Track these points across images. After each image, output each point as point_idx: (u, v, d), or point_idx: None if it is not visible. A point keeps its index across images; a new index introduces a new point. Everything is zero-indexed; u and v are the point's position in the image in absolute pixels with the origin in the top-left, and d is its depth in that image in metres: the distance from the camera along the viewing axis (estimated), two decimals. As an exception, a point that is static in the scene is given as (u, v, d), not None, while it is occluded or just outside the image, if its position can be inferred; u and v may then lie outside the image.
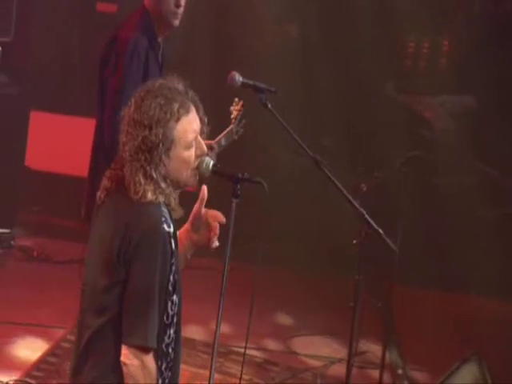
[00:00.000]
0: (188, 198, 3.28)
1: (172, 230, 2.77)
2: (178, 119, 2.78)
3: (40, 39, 7.82)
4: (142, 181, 2.75)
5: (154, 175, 2.75)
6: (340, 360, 5.59)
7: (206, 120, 2.92)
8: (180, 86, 2.84)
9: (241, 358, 5.51)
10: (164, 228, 2.74)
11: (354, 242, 3.98)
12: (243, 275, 6.75)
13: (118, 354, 2.73)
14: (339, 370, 5.52)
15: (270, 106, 3.94)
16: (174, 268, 2.78)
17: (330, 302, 6.11)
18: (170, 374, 2.87)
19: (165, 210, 2.79)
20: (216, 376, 5.19)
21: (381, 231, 3.85)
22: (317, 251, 7.11)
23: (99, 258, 2.81)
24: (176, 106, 2.78)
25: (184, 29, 7.85)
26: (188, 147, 2.82)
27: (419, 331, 6.30)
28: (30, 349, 5.45)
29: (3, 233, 6.87)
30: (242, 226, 7.20)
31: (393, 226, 5.16)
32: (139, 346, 2.71)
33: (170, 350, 2.83)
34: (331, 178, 3.80)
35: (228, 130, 4.68)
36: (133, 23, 4.42)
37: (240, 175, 2.97)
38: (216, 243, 3.01)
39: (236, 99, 4.77)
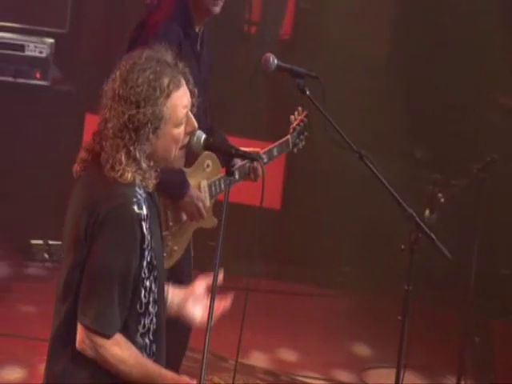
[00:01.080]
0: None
1: (144, 212, 2.69)
2: (168, 95, 2.70)
3: (96, 32, 7.71)
4: (124, 161, 2.67)
5: (138, 155, 2.68)
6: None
7: (195, 91, 2.82)
8: (169, 57, 2.75)
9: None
10: (133, 209, 2.67)
11: (403, 247, 3.79)
12: (322, 301, 6.52)
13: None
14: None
15: (308, 92, 3.85)
16: (149, 253, 2.71)
17: (412, 331, 5.79)
18: None
19: (140, 191, 2.72)
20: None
21: (433, 236, 3.65)
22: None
23: (70, 234, 2.77)
24: (166, 80, 2.69)
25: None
26: (178, 124, 2.75)
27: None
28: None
29: (54, 245, 6.72)
30: (317, 251, 7.14)
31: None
32: (86, 326, 2.68)
33: (148, 341, 2.76)
34: (377, 175, 3.68)
35: (283, 140, 4.47)
36: (166, 8, 4.25)
37: (233, 151, 2.89)
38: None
39: (300, 108, 4.51)
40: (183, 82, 2.77)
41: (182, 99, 2.75)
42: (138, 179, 2.73)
